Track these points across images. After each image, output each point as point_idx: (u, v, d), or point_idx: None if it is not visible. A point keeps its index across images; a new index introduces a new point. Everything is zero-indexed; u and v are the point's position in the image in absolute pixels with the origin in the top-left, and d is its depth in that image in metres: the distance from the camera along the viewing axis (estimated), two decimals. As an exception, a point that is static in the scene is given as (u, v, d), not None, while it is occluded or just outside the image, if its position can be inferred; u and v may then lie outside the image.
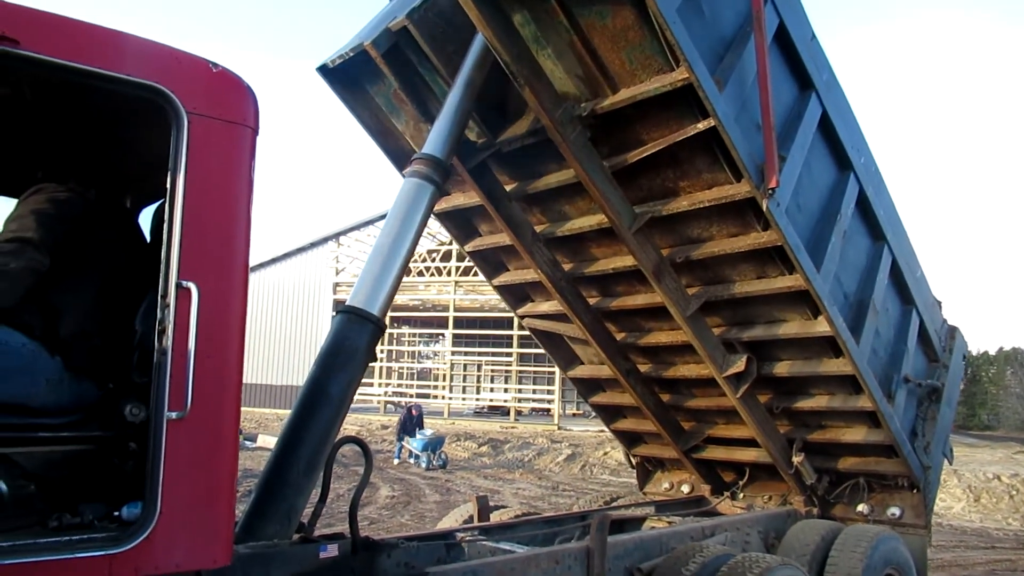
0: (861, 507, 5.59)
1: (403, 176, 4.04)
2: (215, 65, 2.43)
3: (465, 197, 5.16)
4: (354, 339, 3.32)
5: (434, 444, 18.24)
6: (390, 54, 4.42)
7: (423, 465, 17.74)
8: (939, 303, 6.54)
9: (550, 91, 4.07)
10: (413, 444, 18.29)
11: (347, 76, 4.78)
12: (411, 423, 19.01)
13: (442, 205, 5.19)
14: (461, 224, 5.58)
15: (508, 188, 4.93)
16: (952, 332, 6.59)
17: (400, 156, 5.10)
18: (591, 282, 5.36)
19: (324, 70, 4.76)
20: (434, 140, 3.97)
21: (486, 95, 4.30)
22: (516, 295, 5.95)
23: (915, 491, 5.49)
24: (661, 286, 4.70)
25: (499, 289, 5.90)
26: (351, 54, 4.54)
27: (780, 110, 4.37)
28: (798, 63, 4.70)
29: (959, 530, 12.46)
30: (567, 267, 5.25)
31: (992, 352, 59.31)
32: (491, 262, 5.79)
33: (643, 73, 3.90)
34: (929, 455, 5.67)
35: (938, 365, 6.27)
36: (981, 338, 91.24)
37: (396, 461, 18.65)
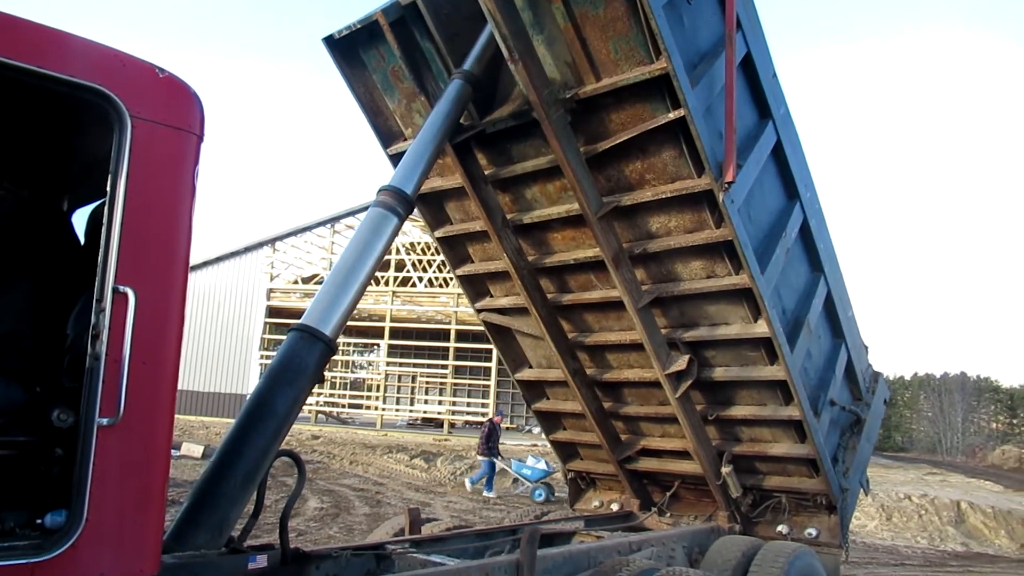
0: (781, 527, 5.80)
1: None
2: (161, 70, 2.41)
3: (443, 180, 5.40)
4: (304, 357, 3.34)
5: (549, 472, 16.18)
6: (395, 28, 4.72)
7: (540, 497, 15.57)
8: (866, 347, 6.93)
9: (540, 71, 4.38)
10: (525, 472, 16.14)
11: (350, 50, 5.12)
12: (496, 439, 16.58)
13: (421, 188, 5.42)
14: (435, 209, 5.78)
15: (486, 172, 5.18)
16: (876, 376, 7.07)
17: (387, 136, 5.44)
18: (551, 274, 5.58)
19: (330, 41, 5.06)
20: (404, 175, 4.14)
21: (479, 86, 4.61)
22: (477, 288, 6.15)
23: (832, 514, 5.74)
24: (618, 273, 4.92)
25: (462, 279, 6.12)
26: (358, 26, 4.88)
27: (740, 127, 4.68)
28: (759, 93, 5.21)
29: (871, 547, 13.03)
30: (531, 257, 5.49)
31: (907, 377, 62.13)
32: (457, 252, 5.99)
33: (626, 64, 4.27)
34: (847, 479, 5.95)
35: (861, 403, 6.66)
36: (897, 364, 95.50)
37: (489, 493, 15.92)
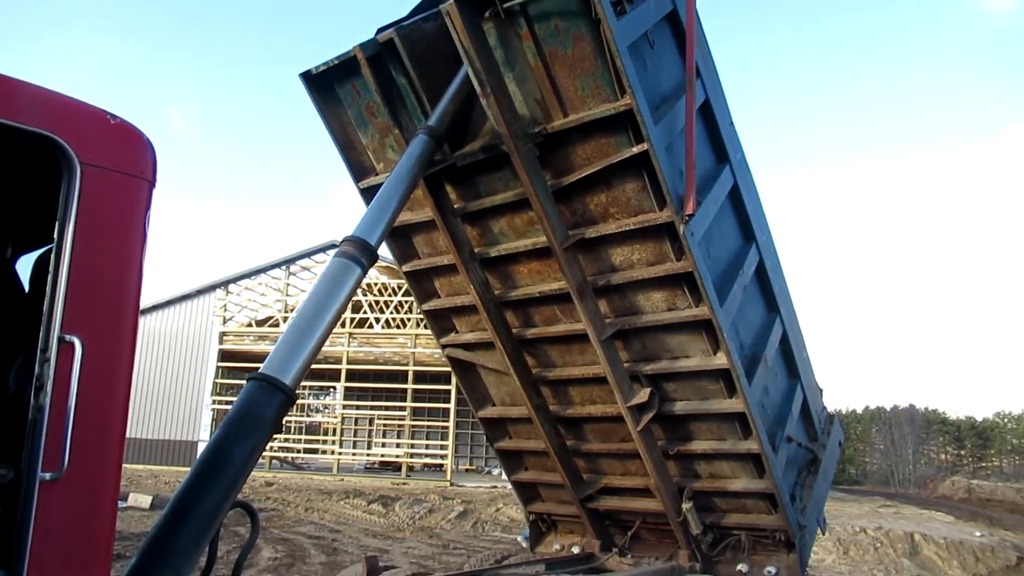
0: (741, 566, 5.82)
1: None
2: (113, 116, 2.39)
3: (412, 214, 5.46)
4: (263, 407, 3.24)
5: None
6: (371, 63, 4.82)
7: None
8: (821, 390, 7.08)
9: (511, 106, 4.55)
10: None
11: (326, 86, 5.21)
12: None
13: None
14: (404, 244, 5.83)
15: (456, 205, 5.26)
16: (831, 418, 7.23)
17: (360, 170, 5.51)
18: (516, 308, 5.62)
19: (307, 76, 5.14)
20: (368, 226, 4.10)
21: (442, 141, 4.70)
22: (442, 324, 6.17)
23: (790, 552, 5.79)
24: (583, 305, 5.02)
25: (428, 315, 6.14)
26: (335, 62, 4.98)
27: (699, 168, 4.81)
28: (718, 138, 5.48)
29: (830, 582, 13.09)
30: (497, 291, 5.55)
31: (859, 411, 63.41)
32: (424, 287, 6.02)
33: (592, 101, 4.44)
34: (805, 517, 6.03)
35: (817, 444, 6.80)
36: (849, 398, 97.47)
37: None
